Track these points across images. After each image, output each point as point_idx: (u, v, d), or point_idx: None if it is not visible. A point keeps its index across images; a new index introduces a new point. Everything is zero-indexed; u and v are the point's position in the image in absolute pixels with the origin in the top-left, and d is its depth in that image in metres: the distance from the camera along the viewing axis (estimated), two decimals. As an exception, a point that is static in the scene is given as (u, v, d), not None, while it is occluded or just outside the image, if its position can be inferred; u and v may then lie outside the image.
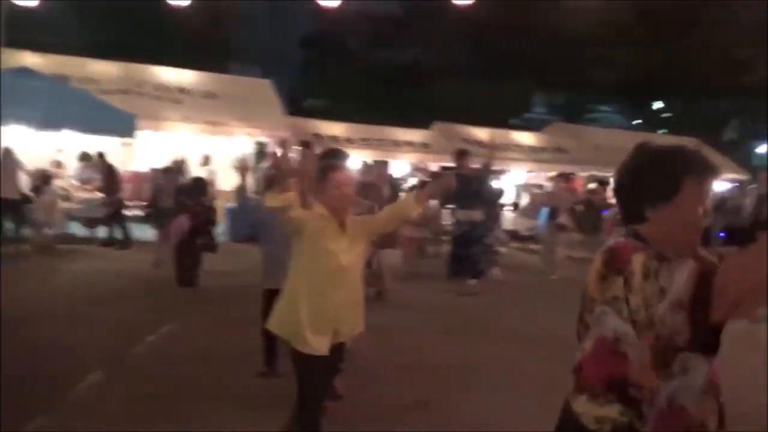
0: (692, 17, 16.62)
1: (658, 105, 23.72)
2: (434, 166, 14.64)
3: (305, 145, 6.06)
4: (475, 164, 9.07)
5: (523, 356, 5.42)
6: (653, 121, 24.11)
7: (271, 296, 4.37)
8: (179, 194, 7.34)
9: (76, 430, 3.61)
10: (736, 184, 16.40)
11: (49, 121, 8.59)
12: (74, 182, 10.60)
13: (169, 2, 6.26)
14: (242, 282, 7.20)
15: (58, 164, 10.67)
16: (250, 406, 4.11)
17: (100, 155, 10.47)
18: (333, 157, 4.02)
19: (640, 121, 26.21)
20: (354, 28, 27.87)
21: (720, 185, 16.27)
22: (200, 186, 7.22)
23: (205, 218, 6.87)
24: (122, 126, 9.08)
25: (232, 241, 11.07)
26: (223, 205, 11.53)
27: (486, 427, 3.93)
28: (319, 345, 2.78)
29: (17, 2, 6.43)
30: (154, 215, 9.48)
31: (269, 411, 4.05)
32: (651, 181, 1.49)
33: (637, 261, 1.38)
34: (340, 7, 29.03)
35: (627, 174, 1.55)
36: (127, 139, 9.84)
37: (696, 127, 20.21)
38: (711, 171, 1.50)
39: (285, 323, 2.89)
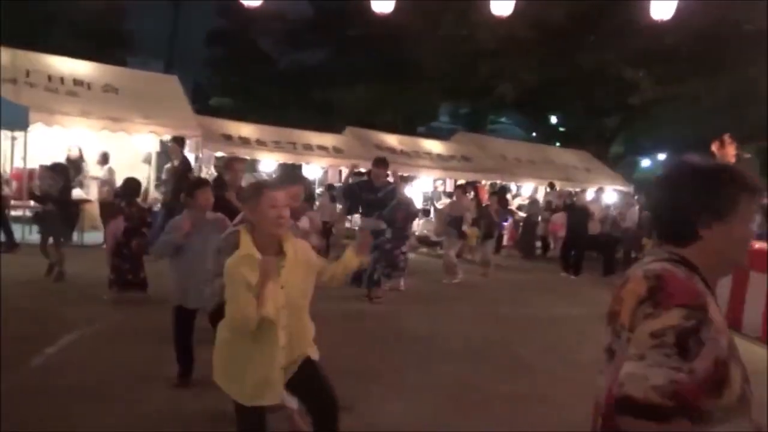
0: (587, 39, 17.89)
1: (553, 119, 25.23)
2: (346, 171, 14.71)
3: (233, 161, 5.85)
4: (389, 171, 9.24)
5: (430, 359, 5.60)
6: (549, 134, 25.63)
7: (182, 314, 4.34)
8: (115, 196, 7.35)
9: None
10: (620, 194, 17.83)
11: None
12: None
13: None
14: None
15: None
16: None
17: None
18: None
19: (534, 134, 27.73)
20: (264, 27, 27.34)
21: (607, 195, 17.60)
22: (133, 187, 7.02)
23: (140, 220, 6.74)
24: (13, 119, 8.31)
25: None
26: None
27: (406, 427, 4.04)
28: (270, 398, 2.62)
29: None
30: (42, 216, 8.78)
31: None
32: (707, 199, 1.42)
33: (716, 313, 1.31)
34: (249, 5, 28.37)
35: (674, 191, 1.48)
36: (17, 133, 9.01)
37: (587, 141, 21.84)
38: (761, 189, 1.47)
39: (230, 381, 2.64)
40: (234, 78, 27.10)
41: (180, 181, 8.96)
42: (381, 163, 7.85)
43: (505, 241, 14.83)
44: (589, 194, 14.86)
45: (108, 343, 5.40)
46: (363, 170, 13.26)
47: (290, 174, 13.69)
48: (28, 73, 10.64)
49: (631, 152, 24.71)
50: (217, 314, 3.78)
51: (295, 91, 25.90)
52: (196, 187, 4.39)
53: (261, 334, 2.51)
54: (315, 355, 2.81)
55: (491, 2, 7.74)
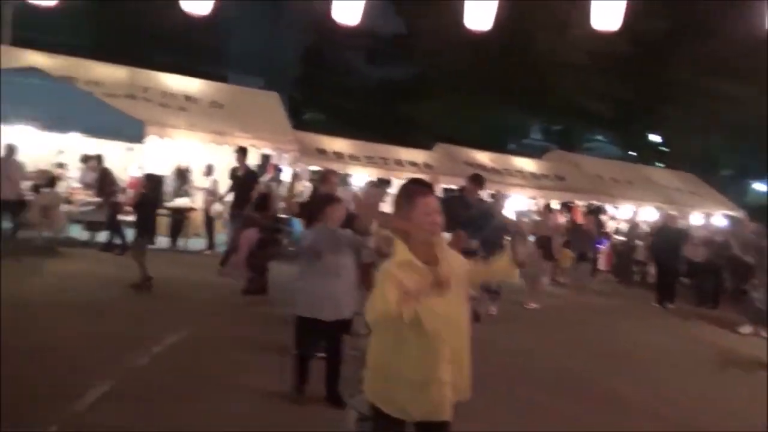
0: (695, 53, 16.85)
1: (654, 138, 23.96)
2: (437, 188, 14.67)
3: (329, 174, 6.02)
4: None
5: (517, 386, 5.38)
6: (649, 154, 24.37)
7: (307, 325, 4.33)
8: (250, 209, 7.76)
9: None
10: (731, 220, 16.57)
11: (56, 123, 8.47)
12: (76, 185, 10.43)
13: (186, 11, 6.16)
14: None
15: (61, 166, 10.49)
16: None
17: (98, 158, 10.31)
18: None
19: (633, 153, 26.47)
20: (356, 43, 28.02)
21: (716, 221, 16.43)
22: (266, 200, 7.72)
23: (273, 230, 7.32)
24: (131, 132, 8.96)
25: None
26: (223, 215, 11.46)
27: None
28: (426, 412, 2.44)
29: (34, 1, 6.29)
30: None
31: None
32: None
33: None
34: (345, 24, 29.11)
35: None
36: (133, 145, 9.69)
37: (692, 162, 20.51)
38: None
39: (386, 400, 2.47)
40: (326, 93, 27.87)
41: (244, 190, 9.35)
42: (475, 179, 7.71)
43: (601, 266, 14.17)
44: (695, 219, 13.94)
45: (205, 348, 5.63)
46: (454, 187, 13.22)
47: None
48: (145, 90, 11.46)
49: (743, 175, 22.97)
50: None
51: (386, 106, 26.29)
52: (327, 203, 4.42)
53: (422, 343, 2.38)
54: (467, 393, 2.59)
55: (593, 18, 7.43)
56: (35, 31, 14.45)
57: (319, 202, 4.60)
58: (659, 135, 23.97)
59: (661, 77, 17.64)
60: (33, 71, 8.84)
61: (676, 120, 20.01)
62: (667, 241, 11.08)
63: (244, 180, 9.81)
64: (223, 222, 11.01)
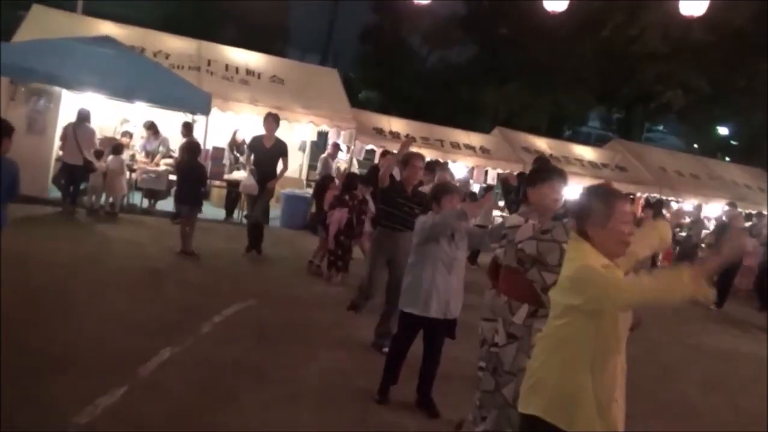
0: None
1: (722, 131, 22.84)
2: (493, 173, 14.43)
3: (414, 157, 5.34)
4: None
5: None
6: (715, 147, 23.29)
7: (411, 320, 4.02)
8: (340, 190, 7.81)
9: (143, 410, 3.54)
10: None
11: (125, 92, 8.66)
12: (139, 153, 10.69)
13: None
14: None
15: (127, 134, 10.72)
16: (318, 402, 4.02)
17: (152, 125, 10.47)
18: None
19: (696, 146, 25.35)
20: (415, 24, 27.67)
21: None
22: (353, 180, 7.80)
23: (359, 210, 7.48)
24: (198, 104, 9.09)
25: (285, 227, 11.18)
26: (278, 192, 11.56)
27: None
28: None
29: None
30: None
31: (341, 407, 3.96)
32: None
33: None
34: (402, 2, 28.81)
35: None
36: (197, 117, 9.84)
37: (763, 157, 19.45)
38: None
39: (569, 422, 2.19)
40: (383, 73, 27.71)
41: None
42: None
43: (659, 262, 13.68)
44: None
45: (268, 317, 5.70)
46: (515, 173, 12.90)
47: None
48: (209, 63, 11.60)
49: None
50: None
51: (442, 88, 25.94)
52: (443, 193, 4.07)
53: (607, 359, 2.20)
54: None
55: (680, 2, 7.07)
56: (106, 4, 14.78)
57: (435, 191, 4.18)
58: (727, 128, 22.79)
59: (735, 68, 16.69)
60: (106, 40, 9.04)
61: (749, 112, 18.94)
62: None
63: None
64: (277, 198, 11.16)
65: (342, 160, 12.33)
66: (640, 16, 14.99)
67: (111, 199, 9.50)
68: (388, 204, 5.17)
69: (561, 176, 3.38)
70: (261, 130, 11.52)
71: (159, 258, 7.27)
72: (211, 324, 5.19)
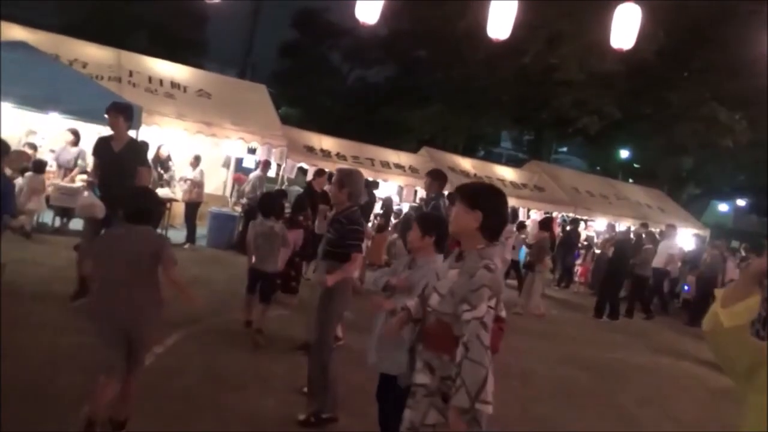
0: (678, 75, 17.33)
1: (623, 154, 24.63)
2: (422, 192, 14.61)
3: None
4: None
5: (526, 398, 5.36)
6: (615, 169, 25.02)
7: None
8: (293, 210, 7.57)
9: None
10: (696, 238, 17.15)
11: (44, 102, 7.98)
12: (53, 166, 9.87)
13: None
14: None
15: (33, 147, 9.87)
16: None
17: (75, 133, 9.63)
18: None
19: (598, 168, 27.12)
20: (335, 42, 27.78)
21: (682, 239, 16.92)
22: (303, 200, 7.78)
23: (310, 231, 7.44)
24: (127, 118, 8.51)
25: (211, 247, 10.72)
26: (206, 210, 11.11)
27: None
28: None
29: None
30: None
31: None
32: None
33: None
34: (323, 20, 28.71)
35: None
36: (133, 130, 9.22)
37: (660, 179, 21.15)
38: None
39: None
40: (303, 89, 27.52)
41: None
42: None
43: (576, 277, 14.43)
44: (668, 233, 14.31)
45: (209, 345, 5.38)
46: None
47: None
48: (131, 74, 10.99)
49: (707, 194, 23.85)
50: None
51: (361, 106, 26.13)
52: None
53: None
54: None
55: (611, 36, 7.53)
56: (16, 7, 13.66)
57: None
58: (628, 150, 24.61)
59: (640, 96, 18.07)
60: (20, 45, 8.31)
61: (650, 138, 20.57)
62: (617, 252, 11.26)
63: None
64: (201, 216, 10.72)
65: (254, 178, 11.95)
66: (559, 46, 15.86)
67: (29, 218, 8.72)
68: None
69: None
70: (188, 146, 11.20)
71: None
72: (152, 355, 4.81)
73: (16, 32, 10.20)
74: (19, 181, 8.36)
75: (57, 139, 9.92)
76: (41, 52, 8.63)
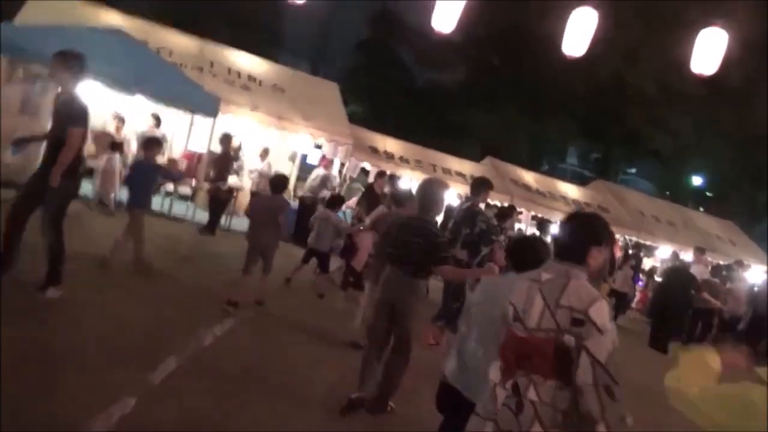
0: (757, 103, 16.52)
1: (696, 180, 23.61)
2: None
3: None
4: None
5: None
6: (686, 195, 24.01)
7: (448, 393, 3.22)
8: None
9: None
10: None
11: (132, 84, 8.47)
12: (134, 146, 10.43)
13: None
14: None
15: (121, 120, 10.32)
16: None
17: (157, 118, 10.13)
18: None
19: (668, 192, 26.13)
20: (409, 42, 27.90)
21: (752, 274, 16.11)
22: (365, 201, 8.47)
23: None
24: (206, 106, 8.97)
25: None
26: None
27: None
28: None
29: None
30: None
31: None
32: None
33: None
34: (399, 21, 28.90)
35: None
36: (195, 117, 9.70)
37: (734, 210, 20.15)
38: None
39: None
40: (373, 87, 27.77)
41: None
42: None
43: (634, 304, 14.02)
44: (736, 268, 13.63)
45: (262, 332, 5.62)
46: (498, 203, 13.08)
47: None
48: (212, 64, 11.47)
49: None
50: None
51: (430, 109, 26.12)
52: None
53: None
54: None
55: (692, 60, 7.30)
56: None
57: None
58: (701, 177, 23.58)
59: (719, 122, 17.32)
60: (115, 31, 8.85)
61: (725, 166, 19.67)
62: (672, 281, 10.77)
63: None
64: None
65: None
66: (637, 63, 15.43)
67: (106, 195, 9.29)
68: None
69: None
70: (259, 137, 11.58)
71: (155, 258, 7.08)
72: (212, 336, 5.07)
73: (114, 18, 10.85)
74: (102, 161, 8.90)
75: (140, 121, 10.46)
76: (132, 39, 9.16)
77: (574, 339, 2.19)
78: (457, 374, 3.19)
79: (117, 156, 9.19)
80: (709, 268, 12.19)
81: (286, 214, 6.41)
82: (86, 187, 9.30)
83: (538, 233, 11.12)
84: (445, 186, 4.49)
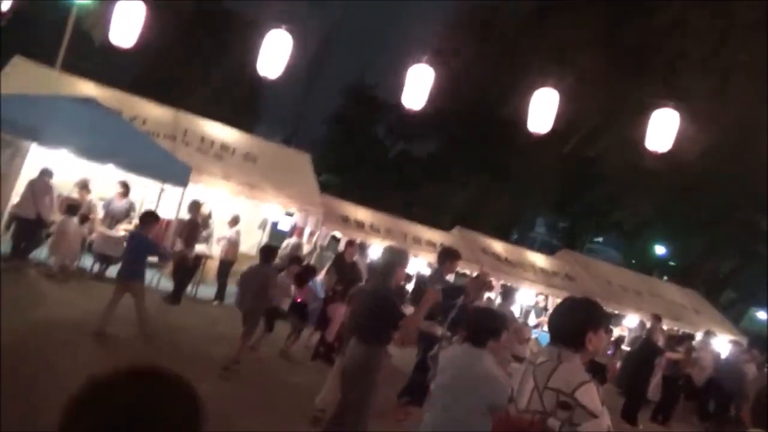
0: (720, 178, 17.28)
1: (659, 250, 24.25)
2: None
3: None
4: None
5: None
6: (651, 265, 24.57)
7: None
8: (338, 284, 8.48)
9: None
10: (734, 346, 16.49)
11: (104, 154, 8.50)
12: (100, 213, 10.33)
13: (261, 74, 6.46)
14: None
15: (84, 185, 10.26)
16: None
17: (125, 186, 10.09)
18: None
19: (633, 261, 26.69)
20: (381, 115, 28.78)
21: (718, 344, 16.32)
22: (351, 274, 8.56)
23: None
24: (177, 176, 9.00)
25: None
26: (239, 269, 11.34)
27: None
28: None
29: (115, 44, 6.49)
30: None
31: None
32: None
33: None
34: (371, 95, 29.81)
35: None
36: (166, 186, 9.71)
37: (696, 280, 20.65)
38: None
39: None
40: (345, 158, 28.30)
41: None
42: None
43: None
44: (699, 339, 13.83)
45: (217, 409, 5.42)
46: (467, 272, 13.20)
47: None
48: (185, 133, 11.61)
49: (745, 300, 23.12)
50: None
51: (401, 179, 26.64)
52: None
53: None
54: None
55: (647, 138, 7.69)
56: (83, 59, 14.74)
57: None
58: (665, 247, 24.23)
59: (679, 197, 18.02)
60: (88, 101, 8.96)
61: (688, 237, 20.30)
62: (639, 354, 10.87)
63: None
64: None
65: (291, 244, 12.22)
66: (598, 140, 16.15)
67: (60, 261, 9.10)
68: None
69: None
70: (229, 206, 11.60)
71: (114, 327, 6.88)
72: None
73: (85, 87, 11.00)
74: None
75: (107, 189, 10.42)
76: (105, 108, 9.27)
77: (563, 423, 2.18)
78: None
79: (74, 220, 9.08)
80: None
81: (274, 283, 6.60)
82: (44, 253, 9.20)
83: (501, 300, 11.15)
84: (405, 254, 4.50)
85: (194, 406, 1.04)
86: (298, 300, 8.12)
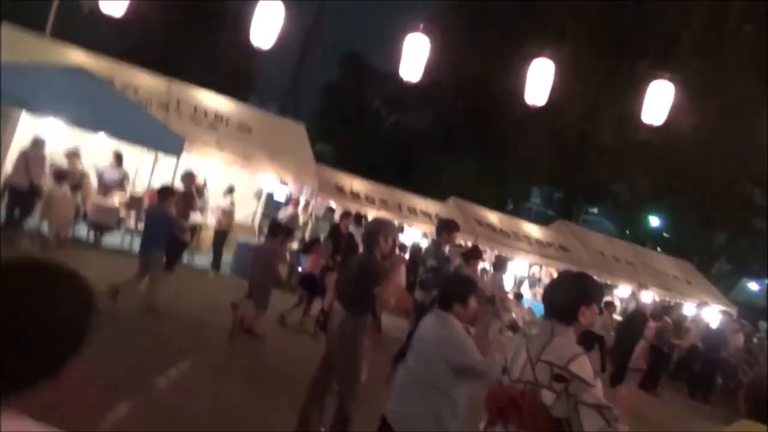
0: (716, 151, 17.26)
1: (654, 222, 24.36)
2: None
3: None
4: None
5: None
6: (645, 236, 24.70)
7: None
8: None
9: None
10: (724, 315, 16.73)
11: (94, 122, 8.43)
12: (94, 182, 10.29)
13: (254, 45, 6.40)
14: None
15: (75, 154, 10.16)
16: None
17: (119, 157, 10.07)
18: None
19: (627, 232, 26.83)
20: (378, 85, 28.48)
21: (709, 315, 16.55)
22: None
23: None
24: (170, 145, 8.95)
25: (234, 275, 10.93)
26: (234, 239, 11.38)
27: None
28: None
29: (104, 11, 6.38)
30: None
31: None
32: None
33: None
34: (368, 64, 29.41)
35: None
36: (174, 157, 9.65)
37: (690, 251, 20.81)
38: None
39: None
40: (341, 128, 28.10)
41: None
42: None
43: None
44: (688, 308, 14.06)
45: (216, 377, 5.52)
46: (462, 243, 13.25)
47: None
48: (178, 103, 11.49)
49: (738, 272, 23.35)
50: None
51: (397, 149, 26.51)
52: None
53: None
54: None
55: (643, 110, 7.68)
56: (74, 27, 14.42)
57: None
58: (659, 219, 24.34)
59: (683, 169, 17.99)
60: (79, 71, 8.84)
61: (682, 211, 20.38)
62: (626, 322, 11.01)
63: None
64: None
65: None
66: (595, 113, 16.05)
67: (55, 230, 9.09)
68: None
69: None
70: (224, 176, 11.55)
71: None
72: (167, 379, 4.96)
73: (75, 55, 10.82)
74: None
75: (100, 157, 10.36)
76: (96, 77, 9.15)
77: (558, 395, 2.23)
78: (391, 408, 3.25)
79: (64, 187, 9.04)
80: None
81: (278, 258, 7.23)
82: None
83: (493, 270, 11.21)
84: (389, 224, 4.55)
85: (84, 294, 1.07)
86: (306, 272, 8.29)
